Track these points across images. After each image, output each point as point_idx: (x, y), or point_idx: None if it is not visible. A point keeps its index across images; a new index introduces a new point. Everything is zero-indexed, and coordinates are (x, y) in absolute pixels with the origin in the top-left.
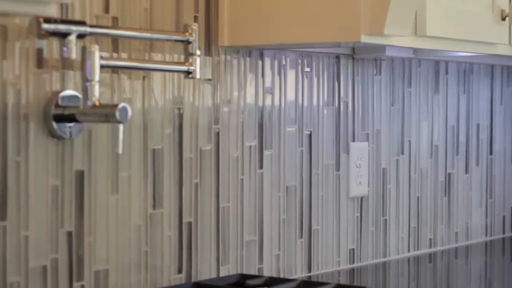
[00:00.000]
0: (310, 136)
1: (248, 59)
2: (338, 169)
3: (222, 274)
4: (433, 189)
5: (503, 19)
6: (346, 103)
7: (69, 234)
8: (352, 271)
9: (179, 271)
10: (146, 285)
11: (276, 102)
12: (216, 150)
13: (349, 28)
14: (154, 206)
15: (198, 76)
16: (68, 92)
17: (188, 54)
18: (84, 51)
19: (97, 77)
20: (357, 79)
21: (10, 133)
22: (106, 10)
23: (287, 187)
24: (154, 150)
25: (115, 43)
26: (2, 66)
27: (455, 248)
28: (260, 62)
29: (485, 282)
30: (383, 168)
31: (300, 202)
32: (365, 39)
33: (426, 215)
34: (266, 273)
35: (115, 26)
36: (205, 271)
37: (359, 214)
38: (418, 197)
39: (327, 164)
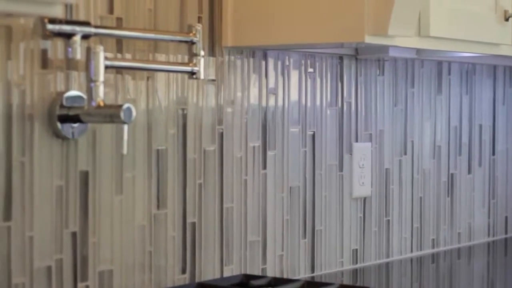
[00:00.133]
0: (313, 136)
1: (251, 59)
2: (341, 169)
3: (225, 274)
4: (435, 189)
5: (506, 19)
6: (349, 104)
7: (74, 234)
8: (355, 272)
9: (183, 271)
10: (150, 286)
11: (280, 102)
12: (220, 151)
13: (353, 29)
14: (158, 207)
15: (202, 76)
16: (73, 92)
17: (192, 55)
18: (88, 52)
19: (101, 77)
20: (360, 79)
21: (15, 134)
22: (111, 10)
23: (290, 187)
24: (158, 150)
25: (120, 43)
26: (7, 67)
27: (458, 248)
28: (263, 62)
29: (488, 282)
30: (386, 169)
31: (304, 202)
32: (369, 39)
33: (428, 215)
34: (270, 273)
35: (119, 26)
36: (208, 272)
37: (362, 215)
38: (421, 198)
39: (330, 165)
